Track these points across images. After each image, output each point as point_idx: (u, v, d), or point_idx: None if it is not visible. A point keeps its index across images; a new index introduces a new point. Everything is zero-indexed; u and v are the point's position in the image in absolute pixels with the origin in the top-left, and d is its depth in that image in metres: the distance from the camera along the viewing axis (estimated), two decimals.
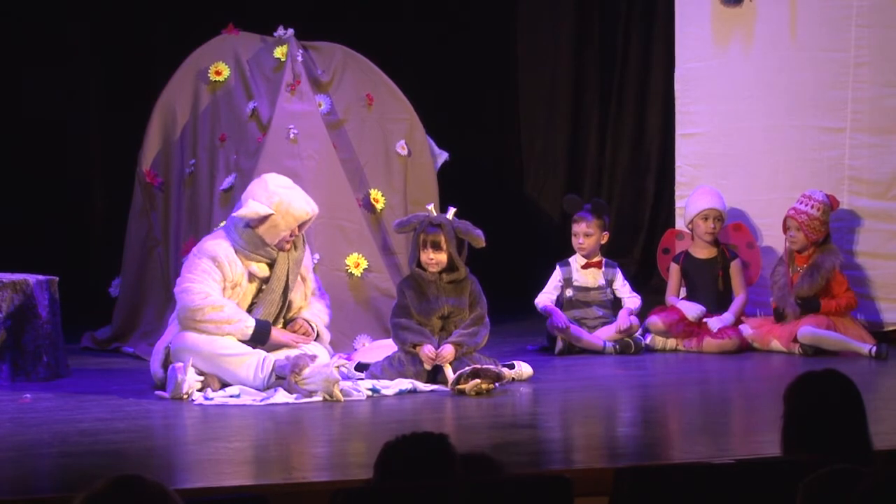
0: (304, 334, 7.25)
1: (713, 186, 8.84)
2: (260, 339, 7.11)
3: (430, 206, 7.60)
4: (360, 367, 7.39)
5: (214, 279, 7.06)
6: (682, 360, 8.27)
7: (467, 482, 3.64)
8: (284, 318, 7.31)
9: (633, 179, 10.63)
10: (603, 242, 8.58)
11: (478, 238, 7.35)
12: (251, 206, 7.09)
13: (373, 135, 8.64)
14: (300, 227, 7.20)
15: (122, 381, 7.43)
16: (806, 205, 8.36)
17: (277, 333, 7.20)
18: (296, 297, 7.30)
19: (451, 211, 7.42)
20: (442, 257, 7.33)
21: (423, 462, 3.64)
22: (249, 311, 7.17)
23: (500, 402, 6.89)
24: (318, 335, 7.34)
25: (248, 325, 7.09)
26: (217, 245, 7.14)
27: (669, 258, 8.89)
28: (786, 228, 8.43)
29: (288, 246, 7.19)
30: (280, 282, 7.21)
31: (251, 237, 7.12)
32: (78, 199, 10.13)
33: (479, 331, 7.36)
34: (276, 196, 7.12)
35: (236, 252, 7.12)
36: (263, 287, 7.20)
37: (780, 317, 8.35)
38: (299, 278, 7.31)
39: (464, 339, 7.28)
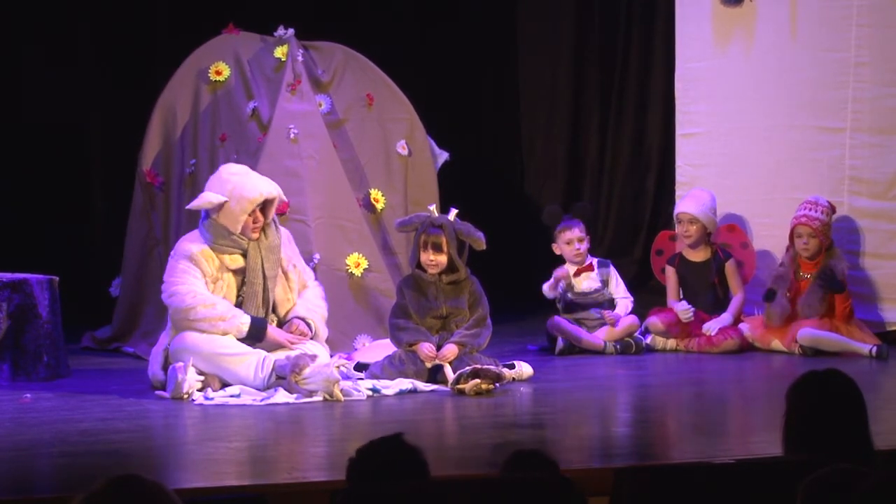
0: (300, 335, 7.25)
1: (706, 189, 8.79)
2: (256, 335, 7.12)
3: (432, 207, 7.61)
4: (360, 367, 7.38)
5: (196, 276, 7.11)
6: (682, 360, 8.26)
7: (467, 482, 3.65)
8: (277, 316, 7.31)
9: (633, 179, 10.62)
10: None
11: (479, 240, 7.36)
12: (204, 196, 7.20)
13: (373, 134, 8.64)
14: (263, 211, 7.22)
15: (123, 381, 7.43)
16: (816, 211, 8.31)
17: (274, 332, 7.21)
18: (277, 292, 7.30)
19: (453, 212, 7.42)
20: (442, 259, 7.33)
21: (389, 466, 3.67)
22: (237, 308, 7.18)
23: (501, 402, 6.88)
24: (315, 333, 7.34)
25: (244, 321, 7.10)
26: (190, 243, 7.21)
27: (663, 260, 8.86)
28: (794, 237, 8.36)
29: (255, 235, 7.21)
30: (256, 273, 7.21)
31: (216, 228, 7.17)
32: (78, 199, 10.12)
33: (482, 332, 7.36)
34: (229, 183, 7.19)
35: (210, 247, 7.15)
36: (245, 281, 7.21)
37: (770, 296, 8.28)
38: (280, 272, 7.31)
39: (466, 339, 7.29)
